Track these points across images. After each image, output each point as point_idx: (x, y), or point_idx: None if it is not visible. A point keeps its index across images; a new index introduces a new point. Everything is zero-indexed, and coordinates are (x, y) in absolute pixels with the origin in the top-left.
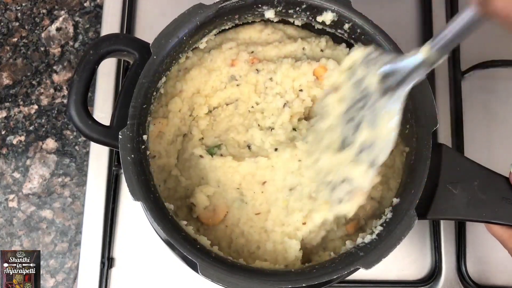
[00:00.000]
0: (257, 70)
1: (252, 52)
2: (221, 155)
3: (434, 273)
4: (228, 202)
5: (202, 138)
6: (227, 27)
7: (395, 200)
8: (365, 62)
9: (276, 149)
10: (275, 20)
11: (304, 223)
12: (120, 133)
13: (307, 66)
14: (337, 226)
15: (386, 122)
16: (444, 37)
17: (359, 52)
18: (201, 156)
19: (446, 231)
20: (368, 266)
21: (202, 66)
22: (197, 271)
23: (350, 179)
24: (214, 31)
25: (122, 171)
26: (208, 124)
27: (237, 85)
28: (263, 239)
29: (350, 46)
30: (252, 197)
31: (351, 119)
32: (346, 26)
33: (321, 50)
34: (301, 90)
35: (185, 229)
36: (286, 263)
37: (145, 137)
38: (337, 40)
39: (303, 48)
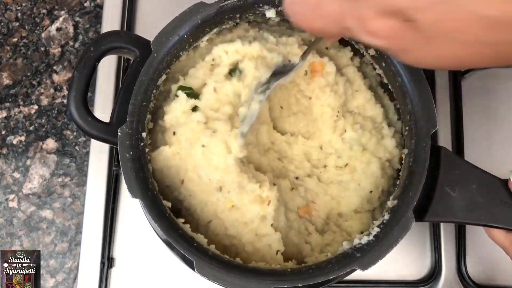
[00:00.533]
0: (259, 29)
1: (256, 25)
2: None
3: (434, 273)
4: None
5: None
6: (228, 26)
7: (393, 202)
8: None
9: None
10: (276, 20)
11: (268, 203)
12: (119, 130)
13: (310, 55)
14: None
15: (254, 102)
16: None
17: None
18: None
19: (446, 231)
20: (364, 267)
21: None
22: (194, 270)
23: None
24: (215, 30)
25: (121, 170)
26: None
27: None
28: (236, 243)
29: (354, 50)
30: (189, 203)
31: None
32: None
33: (326, 48)
34: (289, 61)
35: (182, 227)
36: (277, 261)
37: (144, 134)
38: (343, 42)
39: (310, 41)
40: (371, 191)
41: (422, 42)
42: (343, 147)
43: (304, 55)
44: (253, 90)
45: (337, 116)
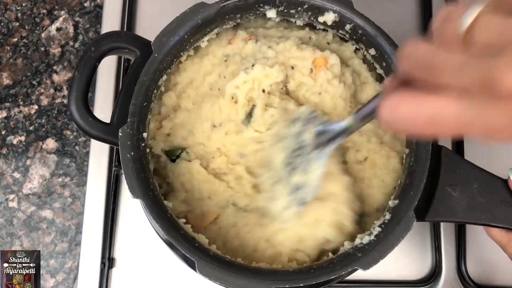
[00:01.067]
0: (256, 40)
1: (252, 32)
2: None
3: (434, 273)
4: (219, 205)
5: (169, 135)
6: (228, 26)
7: (394, 202)
8: (306, 118)
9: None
10: (277, 20)
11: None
12: (120, 130)
13: (311, 52)
14: None
15: (315, 170)
16: (363, 112)
17: (305, 108)
18: (160, 156)
19: (446, 231)
20: (366, 267)
21: (194, 55)
22: (195, 270)
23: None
24: (216, 30)
25: (122, 170)
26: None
27: (225, 60)
28: (262, 246)
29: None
30: (247, 204)
31: (289, 164)
32: (348, 27)
33: (328, 43)
34: (292, 68)
35: (183, 227)
36: (280, 262)
37: (145, 134)
38: (344, 38)
39: (310, 38)
40: (395, 187)
41: None
42: (360, 139)
43: (358, 116)
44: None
45: (350, 107)
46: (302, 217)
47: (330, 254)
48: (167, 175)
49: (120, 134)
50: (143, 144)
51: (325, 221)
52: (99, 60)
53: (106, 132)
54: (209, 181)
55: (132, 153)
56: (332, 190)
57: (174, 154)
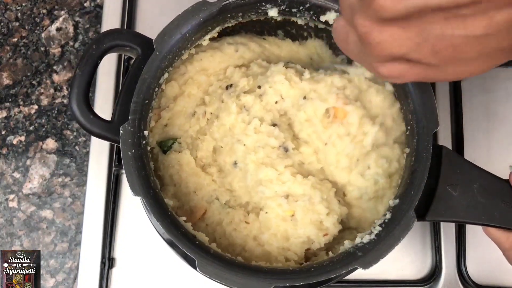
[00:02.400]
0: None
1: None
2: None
3: (434, 273)
4: (205, 200)
5: (166, 125)
6: (230, 25)
7: (395, 201)
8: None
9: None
10: (279, 19)
11: (325, 235)
12: (121, 128)
13: (334, 97)
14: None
15: None
16: None
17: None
18: (153, 148)
19: (446, 231)
20: (366, 266)
21: (213, 48)
22: (195, 268)
23: None
24: (217, 29)
25: (122, 170)
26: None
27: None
28: (250, 245)
29: None
30: (230, 199)
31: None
32: None
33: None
34: (305, 97)
35: (184, 225)
36: (279, 260)
37: (146, 132)
38: None
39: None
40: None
41: (432, 70)
42: (366, 184)
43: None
44: None
45: (355, 165)
46: (277, 210)
47: (330, 253)
48: (158, 167)
49: (121, 131)
50: (144, 142)
51: (303, 220)
52: (100, 58)
53: (107, 130)
54: (196, 174)
55: (133, 150)
56: (298, 190)
57: (166, 145)
